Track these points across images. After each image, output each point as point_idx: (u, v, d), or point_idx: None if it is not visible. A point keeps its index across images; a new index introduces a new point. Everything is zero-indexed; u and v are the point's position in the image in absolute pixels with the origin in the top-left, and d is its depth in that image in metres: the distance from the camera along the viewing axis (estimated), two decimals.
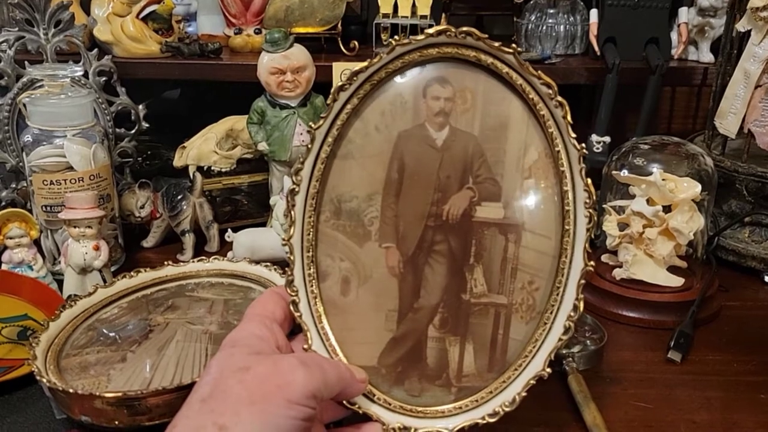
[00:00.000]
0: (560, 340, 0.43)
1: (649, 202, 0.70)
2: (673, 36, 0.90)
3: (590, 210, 0.42)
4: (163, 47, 0.85)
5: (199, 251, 0.79)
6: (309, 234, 0.44)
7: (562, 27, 0.94)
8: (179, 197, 0.77)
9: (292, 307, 0.43)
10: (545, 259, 0.44)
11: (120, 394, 0.47)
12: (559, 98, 0.41)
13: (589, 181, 0.41)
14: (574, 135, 0.41)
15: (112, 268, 0.75)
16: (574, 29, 0.94)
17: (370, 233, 0.44)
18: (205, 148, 0.78)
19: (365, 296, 0.44)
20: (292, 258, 0.44)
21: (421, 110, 0.44)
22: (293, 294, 0.44)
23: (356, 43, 0.88)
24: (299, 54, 0.73)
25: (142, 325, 0.59)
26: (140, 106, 0.85)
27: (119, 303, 0.65)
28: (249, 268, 0.67)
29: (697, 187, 0.69)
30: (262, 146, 0.76)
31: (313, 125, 0.43)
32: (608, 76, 0.84)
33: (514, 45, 0.41)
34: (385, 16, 0.87)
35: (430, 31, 0.42)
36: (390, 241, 0.44)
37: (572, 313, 0.43)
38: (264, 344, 0.39)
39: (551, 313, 0.44)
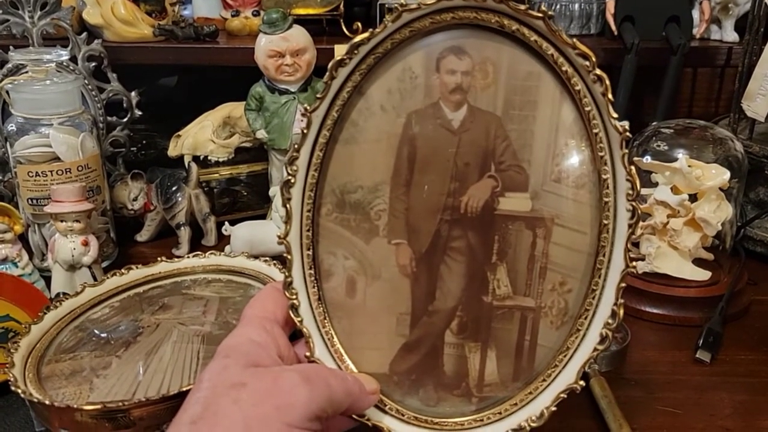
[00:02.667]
0: (595, 350, 0.37)
1: (674, 190, 0.65)
2: (695, 14, 0.83)
3: (633, 203, 0.35)
4: (156, 31, 0.80)
5: (196, 245, 0.74)
6: (308, 230, 0.39)
7: (576, 5, 0.88)
8: (174, 189, 0.72)
9: (291, 312, 0.38)
10: (579, 257, 0.37)
11: (100, 406, 0.42)
12: (598, 71, 0.34)
13: (633, 169, 0.35)
14: (615, 115, 0.34)
15: (104, 264, 0.69)
16: (589, 8, 0.88)
17: (378, 228, 0.39)
18: (201, 136, 0.73)
19: (374, 298, 0.39)
20: (290, 257, 0.39)
21: (435, 87, 0.37)
22: (292, 297, 0.38)
23: (359, 24, 0.81)
24: (299, 36, 0.67)
25: (131, 327, 0.53)
26: (133, 93, 0.78)
27: (110, 302, 0.58)
28: (247, 264, 0.61)
29: (726, 174, 0.64)
30: (261, 134, 0.70)
31: (308, 107, 0.36)
32: (627, 57, 0.79)
33: (543, 8, 0.33)
34: None
35: None
36: (400, 237, 0.39)
37: (610, 320, 0.37)
38: (263, 352, 0.34)
39: (585, 318, 0.38)
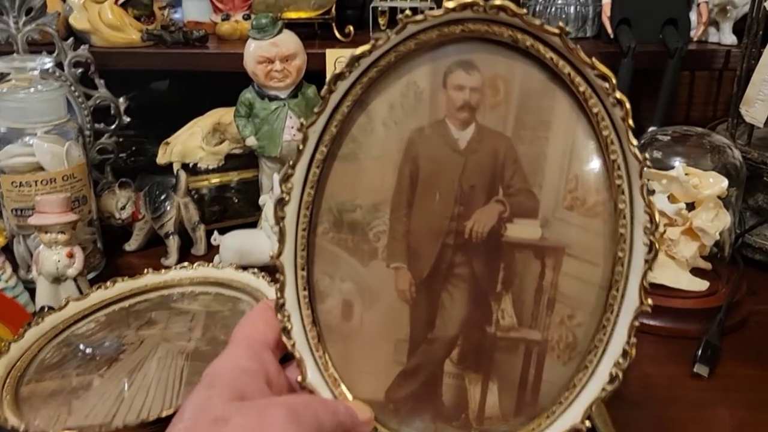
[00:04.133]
0: (604, 390, 0.34)
1: (671, 199, 0.62)
2: (692, 16, 0.80)
3: (651, 237, 0.32)
4: (144, 35, 0.76)
5: (186, 254, 0.71)
6: (303, 249, 0.36)
7: (572, 8, 0.85)
8: (162, 197, 0.68)
9: (283, 336, 0.35)
10: (591, 290, 0.34)
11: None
12: (618, 95, 0.31)
13: (652, 200, 0.31)
14: (635, 142, 0.31)
15: (91, 275, 0.66)
16: (585, 10, 0.85)
17: (377, 250, 0.36)
18: (191, 143, 0.69)
19: (371, 322, 0.36)
20: (282, 278, 0.36)
21: (441, 103, 0.34)
22: (284, 320, 0.36)
23: (352, 28, 0.79)
24: (288, 41, 0.64)
25: (115, 344, 0.49)
26: (121, 99, 0.74)
27: (95, 317, 0.55)
28: (235, 276, 0.57)
29: (724, 183, 0.62)
30: (251, 141, 0.67)
31: (305, 122, 0.33)
32: (623, 61, 0.76)
33: (561, 24, 0.30)
34: None
35: (451, 5, 0.31)
36: (400, 260, 0.36)
37: (621, 360, 0.33)
38: (250, 381, 0.31)
39: (594, 355, 0.34)
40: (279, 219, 0.35)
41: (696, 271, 0.63)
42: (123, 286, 0.56)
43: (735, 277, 0.64)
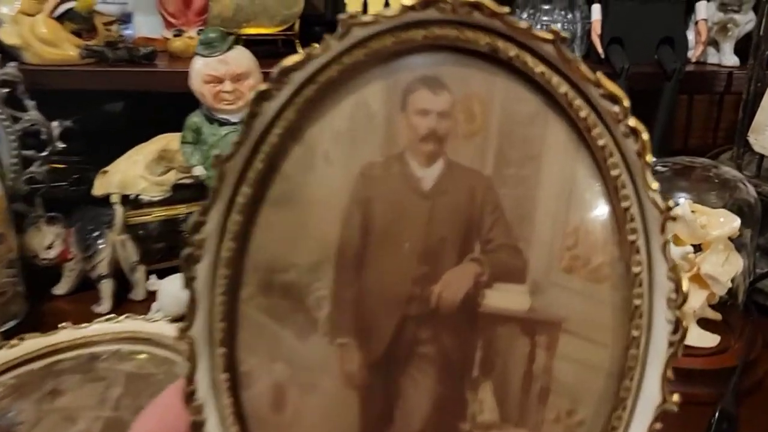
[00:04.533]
0: None
1: (675, 241, 0.55)
2: (690, 35, 0.75)
3: (676, 311, 0.24)
4: (83, 52, 0.68)
5: (123, 300, 0.63)
6: (222, 320, 0.28)
7: (559, 25, 0.80)
8: (95, 235, 0.61)
9: None
10: (596, 378, 0.26)
11: None
12: (632, 122, 0.23)
13: (679, 264, 0.24)
14: (654, 185, 0.23)
15: (11, 324, 0.58)
16: (573, 28, 0.80)
17: (317, 321, 0.28)
18: (132, 172, 0.62)
19: (310, 415, 0.28)
20: (193, 358, 0.27)
21: (400, 132, 0.26)
22: (195, 412, 0.27)
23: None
24: (240, 58, 0.58)
25: (5, 423, 0.40)
26: (54, 123, 0.66)
27: (2, 380, 0.46)
28: (170, 332, 0.49)
29: (736, 222, 0.57)
30: (198, 170, 0.60)
31: (220, 156, 0.25)
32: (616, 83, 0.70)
33: (554, 28, 0.22)
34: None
35: (409, 2, 0.23)
36: (347, 335, 0.28)
37: None
38: None
39: None
40: (188, 281, 0.27)
41: (703, 322, 0.56)
42: (32, 344, 0.48)
43: (749, 329, 0.57)
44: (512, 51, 0.24)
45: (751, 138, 0.63)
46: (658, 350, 0.25)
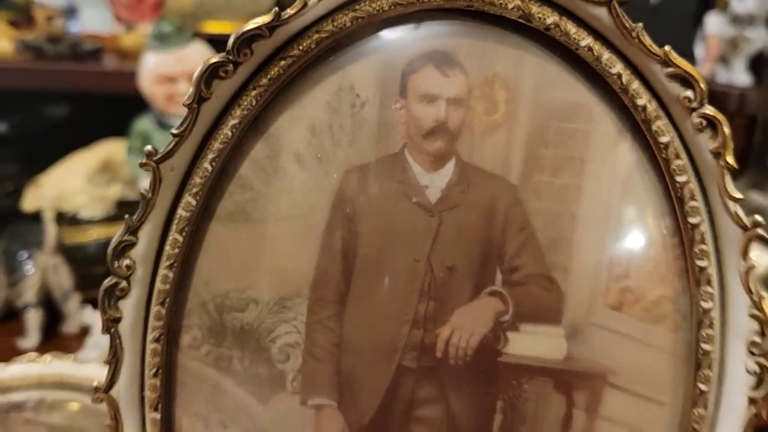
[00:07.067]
0: None
1: None
2: (698, 51, 0.73)
3: (761, 358, 0.20)
4: (19, 46, 0.62)
5: (53, 333, 0.56)
6: (155, 375, 0.23)
7: None
8: (23, 257, 0.54)
9: None
10: None
11: None
12: (710, 110, 0.19)
13: (766, 297, 0.19)
14: (737, 195, 0.19)
15: None
16: None
17: (285, 376, 0.23)
18: (70, 185, 0.58)
19: None
20: (116, 426, 0.23)
21: (397, 124, 0.21)
22: None
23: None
24: (198, 55, 0.52)
25: None
26: None
27: None
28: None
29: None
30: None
31: (153, 150, 0.19)
32: None
33: None
34: None
35: None
36: (325, 393, 0.23)
37: None
38: None
39: None
40: (109, 324, 0.21)
41: None
42: None
43: None
44: (550, 17, 0.20)
45: None
46: (733, 409, 0.21)
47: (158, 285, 0.22)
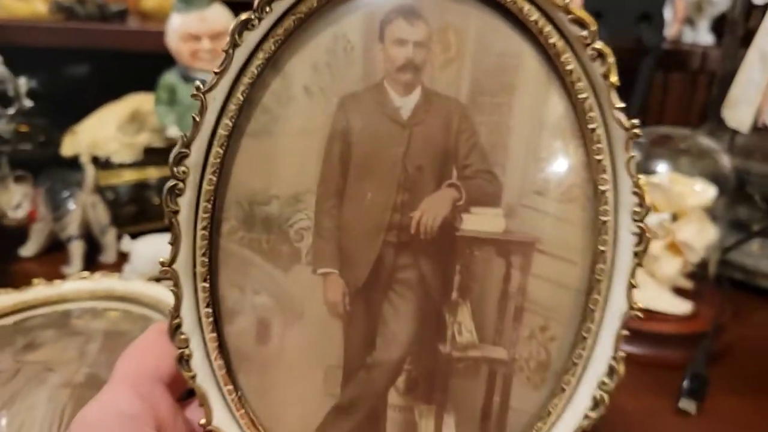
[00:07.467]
0: (586, 417, 0.29)
1: (652, 209, 0.58)
2: (667, 13, 0.77)
3: (641, 224, 0.27)
4: (52, 7, 0.67)
5: (93, 262, 0.63)
6: (204, 254, 0.30)
7: None
8: (66, 195, 0.60)
9: (180, 367, 0.29)
10: (567, 294, 0.29)
11: None
12: (599, 45, 0.25)
13: (642, 180, 0.26)
14: (620, 104, 0.26)
15: None
16: None
17: (300, 252, 0.30)
18: (102, 133, 0.62)
19: (294, 345, 0.30)
20: (178, 292, 0.29)
21: (377, 62, 0.28)
22: (182, 345, 0.29)
23: None
24: (219, 16, 0.58)
25: None
26: (22, 80, 0.65)
27: None
28: (146, 290, 0.50)
29: (711, 192, 0.58)
30: (173, 131, 0.61)
31: (201, 86, 0.27)
32: None
33: None
34: None
35: None
36: (330, 264, 0.30)
37: (606, 380, 0.29)
38: (134, 430, 0.26)
39: (573, 375, 0.29)
40: (170, 215, 0.28)
41: (677, 292, 0.59)
42: (5, 299, 0.48)
43: (719, 297, 0.60)
44: None
45: (725, 113, 0.65)
46: (623, 263, 0.28)
47: (205, 186, 0.29)
